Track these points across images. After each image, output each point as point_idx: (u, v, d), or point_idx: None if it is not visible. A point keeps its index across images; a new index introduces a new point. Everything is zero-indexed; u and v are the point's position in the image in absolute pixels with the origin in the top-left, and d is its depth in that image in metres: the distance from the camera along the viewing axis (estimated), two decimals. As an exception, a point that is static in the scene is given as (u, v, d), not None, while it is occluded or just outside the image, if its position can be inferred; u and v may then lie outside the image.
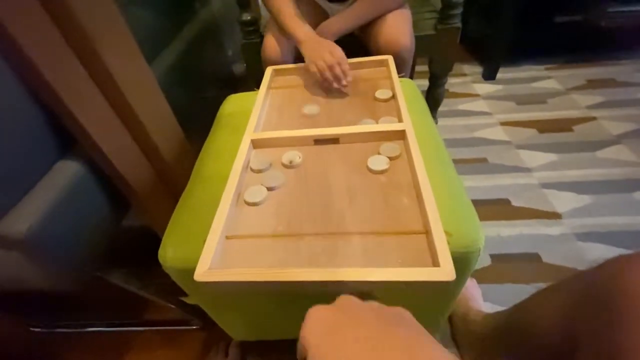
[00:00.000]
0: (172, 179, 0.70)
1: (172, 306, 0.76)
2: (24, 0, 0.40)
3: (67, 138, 0.52)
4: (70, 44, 0.47)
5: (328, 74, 0.68)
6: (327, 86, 0.69)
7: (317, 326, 0.24)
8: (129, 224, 0.71)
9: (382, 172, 0.50)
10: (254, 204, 0.48)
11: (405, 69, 0.90)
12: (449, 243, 0.38)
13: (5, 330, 0.86)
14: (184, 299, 0.77)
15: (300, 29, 0.78)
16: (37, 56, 0.41)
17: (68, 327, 0.84)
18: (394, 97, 0.64)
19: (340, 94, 0.69)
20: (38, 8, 0.42)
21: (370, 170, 0.51)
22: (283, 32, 0.84)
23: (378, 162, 0.51)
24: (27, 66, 0.41)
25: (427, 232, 0.40)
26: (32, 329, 0.84)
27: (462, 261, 0.41)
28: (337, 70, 0.67)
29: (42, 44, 0.42)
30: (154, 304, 0.84)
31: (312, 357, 0.22)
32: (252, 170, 0.54)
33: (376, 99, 0.65)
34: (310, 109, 0.66)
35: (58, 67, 0.45)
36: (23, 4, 0.40)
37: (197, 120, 0.84)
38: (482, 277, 0.80)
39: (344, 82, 0.68)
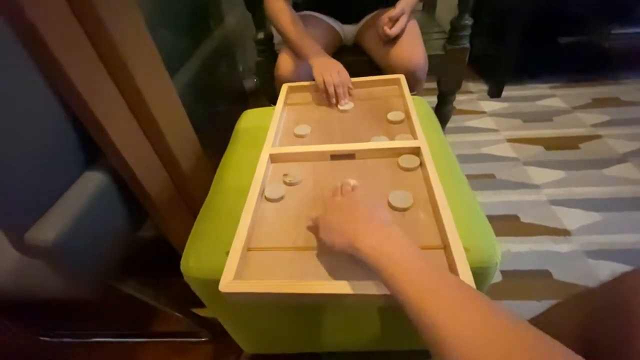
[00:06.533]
0: (189, 191, 0.72)
1: (182, 316, 0.76)
2: (66, 22, 0.43)
3: (91, 151, 0.54)
4: (103, 61, 0.49)
5: (331, 89, 0.72)
6: (325, 97, 0.74)
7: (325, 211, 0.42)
8: (142, 235, 0.72)
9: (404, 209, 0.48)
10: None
11: (419, 87, 0.92)
12: (467, 258, 0.38)
13: (14, 339, 0.86)
14: (198, 310, 0.77)
15: (311, 47, 0.82)
16: (74, 74, 0.43)
17: (76, 337, 0.84)
18: (407, 115, 0.66)
19: (353, 111, 0.72)
20: (79, 29, 0.45)
21: (393, 208, 0.48)
22: (293, 49, 0.87)
23: (400, 199, 0.49)
24: (64, 83, 0.44)
25: (446, 247, 0.41)
26: (40, 338, 0.84)
27: (480, 276, 0.42)
28: (341, 91, 0.72)
29: (80, 63, 0.45)
30: (162, 315, 0.85)
31: (320, 219, 0.42)
32: (266, 198, 0.54)
33: (389, 119, 0.67)
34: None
35: (91, 83, 0.47)
36: (65, 24, 0.43)
37: (210, 133, 0.86)
38: (494, 293, 0.79)
39: (342, 105, 0.72)
